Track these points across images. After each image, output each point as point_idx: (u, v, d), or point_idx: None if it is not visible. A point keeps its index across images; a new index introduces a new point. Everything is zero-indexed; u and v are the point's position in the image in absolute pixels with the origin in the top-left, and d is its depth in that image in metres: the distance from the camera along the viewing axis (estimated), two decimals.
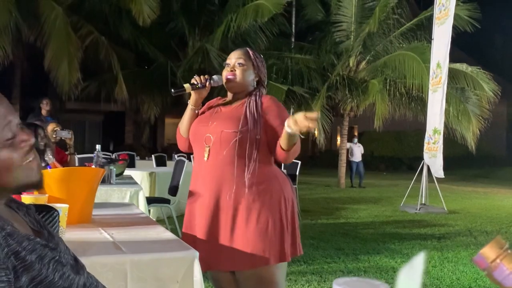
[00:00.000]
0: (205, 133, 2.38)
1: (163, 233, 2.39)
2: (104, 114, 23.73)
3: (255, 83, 2.51)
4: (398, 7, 15.52)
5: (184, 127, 2.53)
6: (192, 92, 2.44)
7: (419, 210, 9.93)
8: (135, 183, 5.63)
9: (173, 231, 6.11)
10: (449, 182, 15.34)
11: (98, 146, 4.93)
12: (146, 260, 1.92)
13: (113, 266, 1.87)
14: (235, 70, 2.44)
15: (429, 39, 11.67)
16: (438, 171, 9.89)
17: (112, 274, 1.85)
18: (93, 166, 4.50)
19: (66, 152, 5.54)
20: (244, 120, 2.34)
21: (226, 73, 2.45)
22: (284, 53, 16.73)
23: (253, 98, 2.43)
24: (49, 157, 3.26)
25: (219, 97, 2.63)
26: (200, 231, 2.37)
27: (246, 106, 2.39)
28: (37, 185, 1.12)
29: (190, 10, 17.39)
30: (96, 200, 2.82)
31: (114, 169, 5.07)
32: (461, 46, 19.38)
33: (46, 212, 1.85)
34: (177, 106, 19.00)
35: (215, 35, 16.32)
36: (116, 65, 15.45)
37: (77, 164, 5.74)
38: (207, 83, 2.42)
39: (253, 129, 2.33)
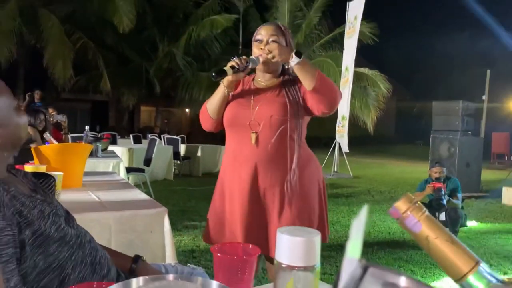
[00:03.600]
0: (249, 118, 1.78)
1: (139, 195, 2.35)
2: (92, 102, 22.93)
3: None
4: (319, 24, 15.69)
5: (214, 108, 1.85)
6: (230, 76, 1.76)
7: (332, 176, 10.17)
8: (117, 156, 5.50)
9: (147, 193, 6.00)
10: (354, 156, 15.68)
11: (87, 127, 4.80)
12: (126, 216, 1.89)
13: (100, 221, 1.83)
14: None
15: (341, 49, 11.84)
16: (345, 147, 10.14)
17: (99, 227, 1.80)
18: (83, 143, 4.35)
19: (61, 132, 5.38)
20: (290, 105, 1.77)
21: (259, 52, 1.81)
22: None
23: (287, 79, 1.86)
24: (47, 136, 3.12)
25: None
26: (244, 217, 1.77)
27: (286, 92, 1.80)
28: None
29: (161, 22, 17.03)
30: (86, 169, 2.73)
31: (100, 145, 4.94)
32: (364, 55, 19.76)
33: (44, 178, 1.77)
34: (150, 97, 18.63)
35: (180, 42, 16.13)
36: (101, 64, 15.09)
37: (70, 141, 5.55)
38: (249, 66, 1.77)
39: (298, 114, 1.78)
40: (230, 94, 1.85)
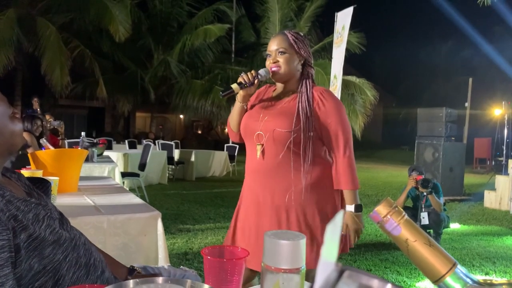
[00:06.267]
0: (256, 130, 1.71)
1: (133, 199, 2.33)
2: (88, 109, 22.78)
3: (300, 66, 1.78)
4: (308, 34, 15.76)
5: (234, 122, 1.84)
6: (241, 91, 1.74)
7: None
8: (112, 161, 5.47)
9: (142, 197, 5.98)
10: None
11: (83, 133, 4.78)
12: (120, 220, 1.87)
13: (94, 224, 1.81)
14: (278, 61, 1.73)
15: (329, 58, 11.89)
16: None
17: (94, 230, 1.79)
18: (79, 148, 4.32)
19: (58, 138, 5.35)
20: (297, 118, 1.66)
21: (269, 65, 1.74)
22: (226, 66, 16.66)
23: (304, 91, 1.72)
24: (43, 141, 3.10)
25: (268, 85, 1.90)
26: (252, 228, 1.74)
27: (299, 102, 1.70)
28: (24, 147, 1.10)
29: (155, 31, 17.03)
30: (82, 174, 2.71)
31: (96, 150, 4.90)
32: (352, 63, 19.91)
33: (41, 183, 1.76)
34: (145, 104, 18.58)
35: (174, 50, 16.17)
36: (97, 72, 14.98)
37: (66, 147, 5.51)
38: (255, 80, 1.71)
39: (306, 127, 1.66)
40: (245, 107, 1.82)
